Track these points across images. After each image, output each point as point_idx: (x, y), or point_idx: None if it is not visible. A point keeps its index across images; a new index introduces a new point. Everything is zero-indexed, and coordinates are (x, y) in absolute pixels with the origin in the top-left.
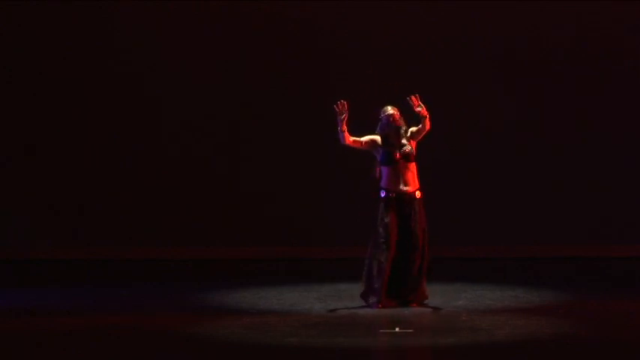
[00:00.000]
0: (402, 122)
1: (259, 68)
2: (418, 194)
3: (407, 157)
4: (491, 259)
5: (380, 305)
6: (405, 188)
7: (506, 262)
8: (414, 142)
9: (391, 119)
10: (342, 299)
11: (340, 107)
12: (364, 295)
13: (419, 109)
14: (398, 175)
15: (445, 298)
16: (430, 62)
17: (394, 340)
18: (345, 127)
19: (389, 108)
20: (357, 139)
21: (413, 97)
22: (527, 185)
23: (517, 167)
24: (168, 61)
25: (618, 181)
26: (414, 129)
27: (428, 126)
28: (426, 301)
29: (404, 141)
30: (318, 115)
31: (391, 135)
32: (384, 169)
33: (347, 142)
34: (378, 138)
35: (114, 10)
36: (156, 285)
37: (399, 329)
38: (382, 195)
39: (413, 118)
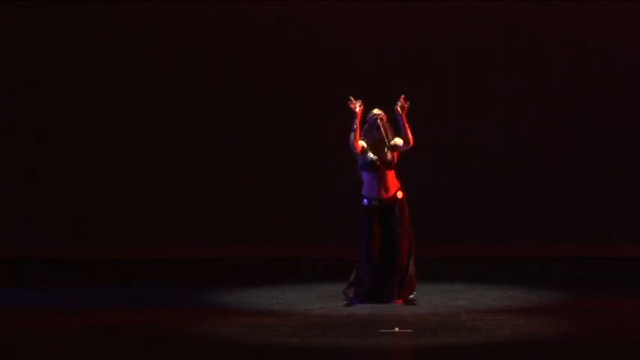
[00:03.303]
0: (387, 127)
1: (258, 69)
2: (400, 194)
3: (387, 164)
4: (491, 259)
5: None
6: (386, 194)
7: (505, 262)
8: (396, 153)
9: (378, 120)
10: (342, 299)
11: (353, 103)
12: (346, 291)
13: (399, 109)
14: (378, 182)
15: (445, 298)
16: (428, 63)
17: (394, 340)
18: (359, 125)
19: (376, 110)
20: (362, 143)
21: (404, 97)
22: (528, 185)
23: (517, 167)
24: (167, 61)
25: (619, 181)
26: (397, 141)
27: (411, 142)
28: (411, 296)
29: (386, 149)
30: (319, 115)
31: (376, 139)
32: (365, 175)
33: (357, 143)
34: (365, 145)
35: (114, 10)
36: (156, 284)
37: (399, 329)
38: (365, 203)
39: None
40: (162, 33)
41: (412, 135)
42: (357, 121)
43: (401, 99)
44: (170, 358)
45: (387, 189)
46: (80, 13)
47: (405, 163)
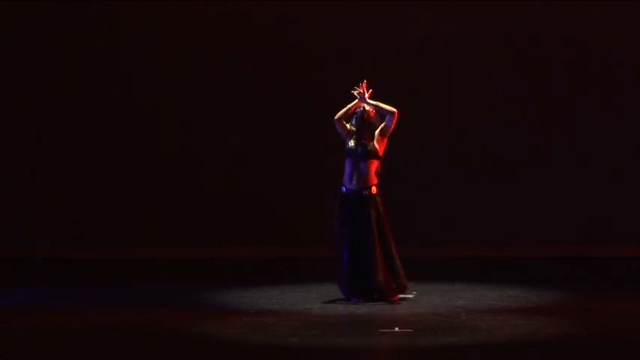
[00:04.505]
0: (375, 119)
1: (258, 69)
2: (374, 190)
3: (367, 153)
4: (491, 259)
5: (360, 301)
6: (358, 185)
7: (505, 262)
8: (386, 139)
9: (365, 114)
10: (342, 299)
11: (358, 90)
12: (340, 287)
13: (358, 95)
14: (354, 171)
15: (445, 298)
16: (428, 63)
17: (394, 340)
18: (352, 108)
19: (366, 104)
20: (349, 125)
21: (365, 85)
22: (528, 185)
23: (517, 167)
24: (167, 61)
25: (619, 181)
26: (382, 126)
27: (393, 110)
28: (410, 295)
29: (371, 138)
30: (319, 115)
31: (362, 130)
32: (346, 162)
33: (342, 119)
34: (352, 129)
35: (114, 10)
36: (156, 284)
37: (399, 329)
38: (342, 190)
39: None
40: (162, 33)
41: (389, 105)
42: (353, 105)
43: (362, 87)
44: (170, 358)
45: (360, 179)
46: (80, 13)
47: (406, 163)
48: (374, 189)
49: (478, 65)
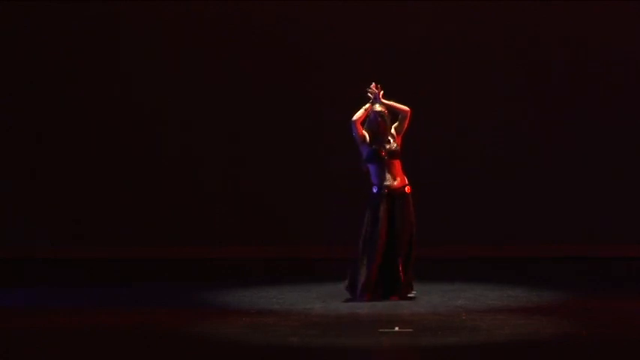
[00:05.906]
0: (389, 120)
1: (258, 69)
2: (407, 189)
3: (392, 154)
4: (491, 259)
5: (366, 298)
6: (395, 183)
7: (505, 262)
8: (400, 137)
9: (379, 116)
10: (342, 299)
11: (372, 91)
12: (349, 288)
13: (371, 94)
14: (385, 172)
15: (445, 298)
16: (428, 63)
17: (394, 340)
18: (368, 109)
19: (377, 105)
20: (365, 132)
21: (374, 86)
22: (528, 185)
23: (517, 167)
24: (167, 61)
25: (619, 181)
26: (396, 123)
27: (406, 109)
28: (410, 295)
29: (390, 139)
30: (319, 115)
31: (378, 132)
32: (371, 167)
33: (358, 123)
34: (367, 136)
35: (114, 10)
36: (156, 284)
37: (399, 329)
38: (374, 190)
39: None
40: (162, 33)
41: (401, 104)
42: (368, 106)
43: (372, 88)
44: (170, 358)
45: (395, 178)
46: (80, 13)
47: (406, 163)
48: (407, 188)
49: (478, 65)
